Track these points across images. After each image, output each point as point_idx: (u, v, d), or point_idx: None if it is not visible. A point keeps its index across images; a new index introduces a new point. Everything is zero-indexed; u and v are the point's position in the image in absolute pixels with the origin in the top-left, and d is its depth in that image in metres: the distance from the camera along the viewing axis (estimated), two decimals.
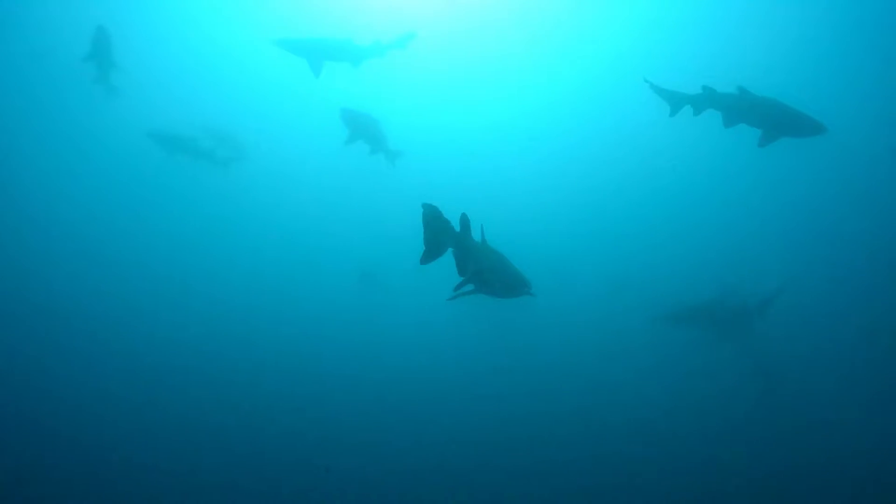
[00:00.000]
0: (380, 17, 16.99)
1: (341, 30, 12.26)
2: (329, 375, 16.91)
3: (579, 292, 18.79)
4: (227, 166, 14.88)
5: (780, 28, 20.11)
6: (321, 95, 14.59)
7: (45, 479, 12.27)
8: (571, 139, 23.21)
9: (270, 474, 13.52)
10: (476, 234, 6.13)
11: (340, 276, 19.62)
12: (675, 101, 8.53)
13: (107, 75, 13.03)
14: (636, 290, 17.42)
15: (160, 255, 20.67)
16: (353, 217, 21.72)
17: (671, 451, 13.71)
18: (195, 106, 20.11)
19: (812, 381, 14.84)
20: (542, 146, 23.41)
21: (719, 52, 19.81)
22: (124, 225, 21.00)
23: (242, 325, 18.63)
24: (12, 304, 17.22)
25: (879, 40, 19.36)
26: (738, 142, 8.52)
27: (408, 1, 19.55)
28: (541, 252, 16.97)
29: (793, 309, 15.02)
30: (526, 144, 23.37)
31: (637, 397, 15.40)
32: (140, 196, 21.32)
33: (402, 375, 16.69)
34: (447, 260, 5.94)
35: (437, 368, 17.03)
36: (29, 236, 20.05)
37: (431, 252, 5.80)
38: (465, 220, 5.88)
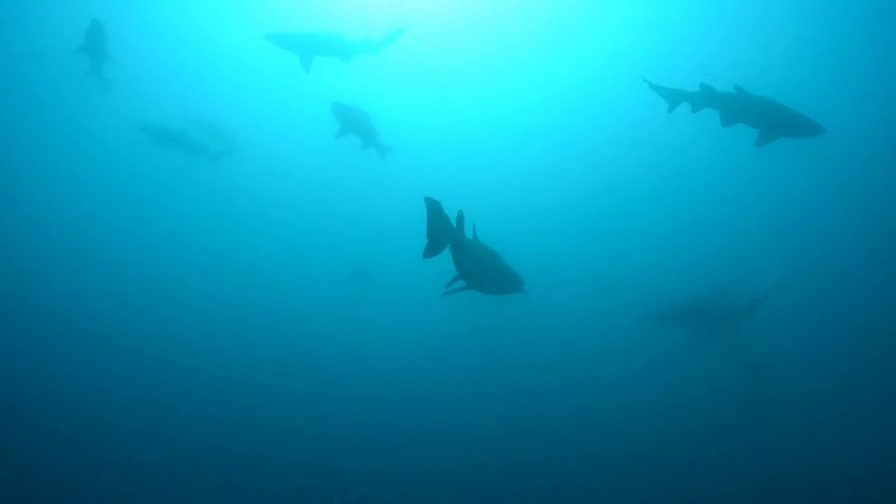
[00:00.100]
0: (374, 12, 16.95)
1: (334, 24, 12.21)
2: (322, 372, 16.93)
3: (572, 290, 18.82)
4: (219, 160, 14.83)
5: (780, 27, 20.13)
6: (314, 90, 14.55)
7: (45, 479, 12.32)
8: (565, 136, 23.19)
9: (267, 471, 13.62)
10: (468, 231, 6.13)
11: (333, 271, 19.59)
12: (673, 97, 8.55)
13: (100, 68, 12.97)
14: (629, 288, 17.44)
15: (151, 250, 20.56)
16: (345, 212, 21.68)
17: (663, 450, 13.76)
18: (188, 99, 20.02)
19: (805, 382, 14.92)
20: (535, 143, 23.37)
21: (718, 51, 19.81)
22: (115, 219, 20.91)
23: (235, 321, 18.63)
24: (6, 300, 17.17)
25: (879, 40, 19.40)
26: (735, 141, 8.54)
27: None
28: (534, 249, 17.05)
29: (788, 309, 15.13)
30: (519, 141, 23.34)
31: (629, 396, 15.43)
32: (131, 191, 21.24)
33: (395, 372, 16.70)
34: (441, 255, 5.93)
35: (429, 366, 17.06)
36: (20, 230, 19.95)
37: (434, 245, 5.78)
38: (460, 217, 5.88)
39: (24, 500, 11.91)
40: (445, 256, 5.98)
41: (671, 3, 20.98)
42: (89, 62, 12.87)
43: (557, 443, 14.30)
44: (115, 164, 20.74)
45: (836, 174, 19.13)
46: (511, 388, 16.04)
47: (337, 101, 10.87)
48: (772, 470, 13.25)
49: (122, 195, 21.25)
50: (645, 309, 13.85)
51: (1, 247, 19.11)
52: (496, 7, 21.51)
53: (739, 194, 20.73)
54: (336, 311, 18.89)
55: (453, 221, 5.85)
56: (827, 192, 19.77)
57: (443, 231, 5.74)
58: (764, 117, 7.89)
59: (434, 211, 5.67)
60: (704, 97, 8.26)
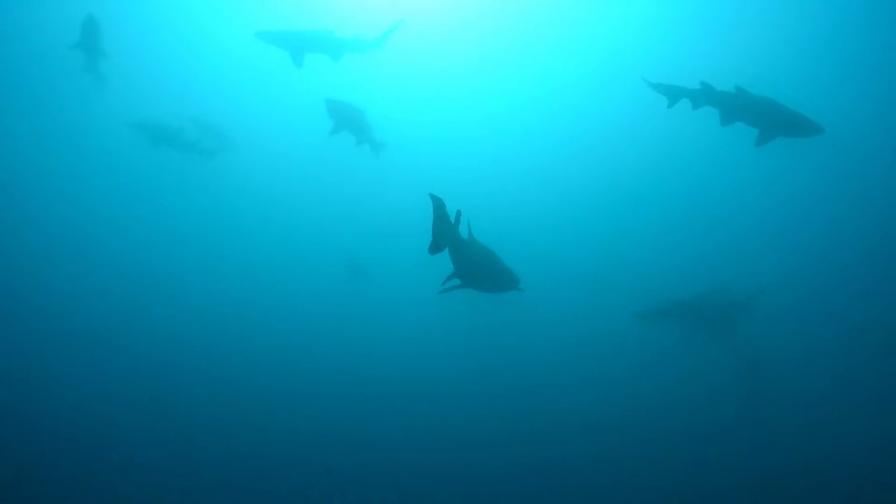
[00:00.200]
0: (370, 10, 16.82)
1: (332, 23, 12.12)
2: (321, 371, 16.91)
3: (569, 288, 18.78)
4: (213, 157, 14.75)
5: (780, 26, 20.00)
6: (310, 87, 14.48)
7: (45, 479, 12.28)
8: (562, 134, 23.12)
9: (267, 471, 13.57)
10: (463, 229, 6.17)
11: (329, 269, 19.52)
12: (673, 94, 8.52)
13: (95, 65, 12.89)
14: (626, 286, 17.38)
15: (147, 248, 20.55)
16: (340, 210, 21.67)
17: (661, 449, 13.73)
18: (182, 97, 20.01)
19: (803, 380, 14.87)
20: (531, 140, 23.31)
21: (718, 50, 19.70)
22: (111, 217, 20.92)
23: (233, 319, 18.61)
24: (3, 300, 17.17)
25: (879, 40, 19.28)
26: (734, 140, 8.53)
27: None
28: (530, 247, 16.96)
29: (787, 307, 15.09)
30: (515, 138, 23.28)
31: (627, 394, 15.41)
32: (127, 188, 21.22)
33: (393, 371, 16.66)
34: (440, 253, 5.96)
35: (426, 364, 17.02)
36: (15, 228, 19.92)
37: (439, 242, 5.84)
38: (457, 216, 5.91)
39: (24, 500, 11.86)
40: (443, 254, 6.00)
41: (672, 2, 20.83)
42: (85, 59, 12.77)
43: (555, 441, 14.28)
44: (110, 161, 20.72)
45: (836, 174, 19.12)
46: (509, 386, 16.01)
47: (330, 97, 10.77)
48: (770, 469, 13.23)
49: (119, 193, 21.24)
50: (642, 306, 13.77)
51: None
52: (492, 4, 21.37)
53: (738, 193, 20.74)
54: (333, 309, 18.86)
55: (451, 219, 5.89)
56: (826, 191, 19.76)
57: (446, 228, 5.80)
58: (763, 116, 7.87)
59: (439, 208, 5.73)
60: (704, 95, 8.23)
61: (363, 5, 17.31)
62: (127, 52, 16.89)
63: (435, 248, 5.79)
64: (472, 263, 6.16)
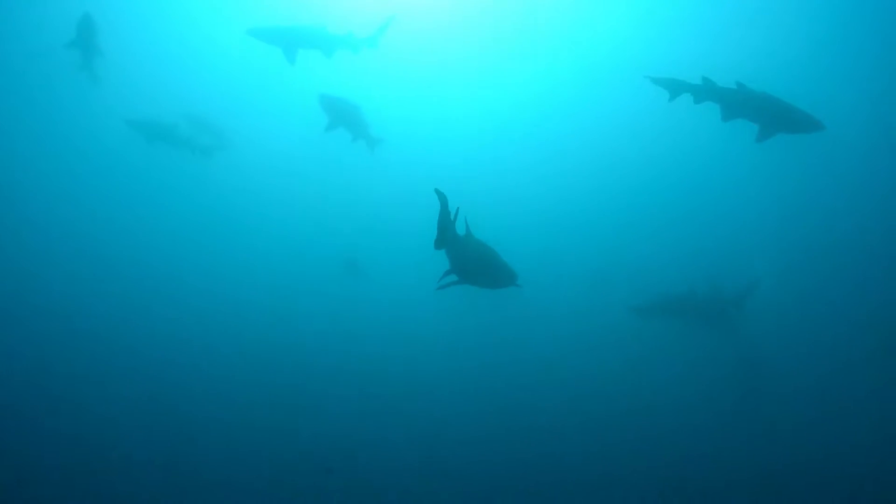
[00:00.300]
0: (363, 6, 16.77)
1: (325, 20, 12.09)
2: (320, 370, 16.84)
3: (566, 284, 18.74)
4: (209, 154, 14.72)
5: (781, 23, 19.89)
6: (306, 84, 14.43)
7: (45, 480, 12.25)
8: (559, 130, 23.05)
9: (267, 471, 13.50)
10: (461, 225, 6.21)
11: (325, 265, 19.45)
12: (674, 88, 8.52)
13: (91, 63, 12.86)
14: (625, 281, 17.32)
15: (143, 246, 20.53)
16: (336, 205, 21.62)
17: (660, 446, 13.70)
18: (177, 93, 19.95)
19: (802, 377, 14.86)
20: (529, 136, 23.24)
21: (717, 47, 19.59)
22: (107, 215, 20.89)
23: (230, 318, 18.56)
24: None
25: (879, 36, 19.18)
26: (733, 135, 8.53)
27: None
28: (527, 244, 16.88)
29: (785, 304, 15.05)
30: (511, 135, 23.23)
31: (625, 391, 15.36)
32: (124, 186, 21.21)
33: (391, 368, 16.66)
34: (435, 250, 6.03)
35: (424, 361, 16.99)
36: (12, 227, 19.93)
37: (445, 237, 5.94)
38: (455, 212, 5.95)
39: (24, 500, 11.83)
40: (442, 250, 6.06)
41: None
42: (81, 57, 12.74)
43: (554, 438, 14.26)
44: (106, 159, 20.73)
45: (835, 170, 19.01)
46: (507, 383, 15.98)
47: (325, 92, 10.68)
48: (768, 466, 13.18)
49: (114, 190, 21.25)
50: (641, 302, 13.75)
51: None
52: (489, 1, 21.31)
53: (737, 189, 20.65)
54: (331, 306, 18.83)
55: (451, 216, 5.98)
56: (825, 187, 19.67)
57: (450, 224, 5.91)
58: (763, 112, 7.90)
59: (445, 203, 5.82)
60: (705, 90, 8.24)
61: (358, 3, 17.23)
62: (123, 50, 16.88)
63: (441, 243, 5.91)
64: (470, 260, 6.18)
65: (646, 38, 20.75)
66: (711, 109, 8.16)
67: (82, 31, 12.45)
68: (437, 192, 5.79)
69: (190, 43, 21.47)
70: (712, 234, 19.72)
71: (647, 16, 20.81)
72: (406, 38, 13.74)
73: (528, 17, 21.38)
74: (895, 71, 19.41)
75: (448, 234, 5.94)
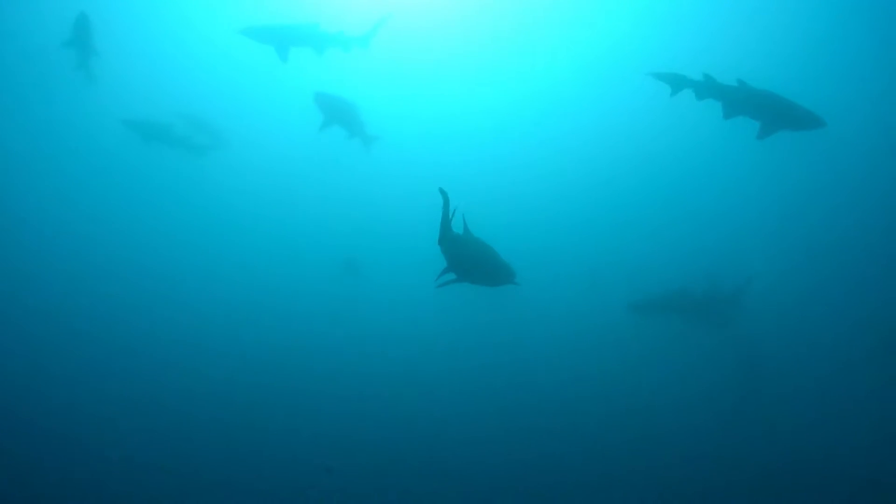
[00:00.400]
0: (358, 5, 16.73)
1: (320, 19, 12.06)
2: (319, 370, 16.81)
3: (565, 282, 18.68)
4: (204, 153, 14.72)
5: (781, 20, 19.85)
6: (301, 82, 14.43)
7: (45, 480, 12.26)
8: (557, 128, 22.99)
9: (267, 471, 13.54)
10: (458, 224, 6.23)
11: (324, 265, 19.38)
12: (676, 83, 8.54)
13: (87, 62, 12.85)
14: (623, 280, 17.27)
15: (140, 246, 20.45)
16: (334, 205, 21.55)
17: (660, 446, 13.71)
18: (172, 93, 19.93)
19: (802, 377, 14.86)
20: (526, 135, 23.19)
21: (718, 45, 19.56)
22: (103, 215, 20.78)
23: (229, 318, 18.51)
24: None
25: (880, 33, 19.16)
26: (734, 133, 8.50)
27: None
28: (526, 242, 16.83)
29: (785, 304, 15.04)
30: (508, 133, 23.17)
31: (624, 390, 15.37)
32: (118, 185, 21.11)
33: (390, 368, 16.64)
34: (433, 248, 6.09)
35: (423, 361, 16.95)
36: (6, 226, 19.87)
37: (448, 235, 5.98)
38: (454, 211, 5.98)
39: (24, 500, 11.85)
40: (436, 249, 6.10)
41: None
42: (77, 56, 12.73)
43: (553, 438, 14.27)
44: (102, 158, 20.68)
45: (837, 167, 18.97)
46: (507, 382, 15.97)
47: (320, 90, 10.65)
48: (768, 466, 13.20)
49: (111, 190, 21.17)
50: (640, 300, 13.75)
51: None
52: None
53: (737, 187, 20.59)
54: (329, 306, 18.74)
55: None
56: (827, 185, 19.62)
57: (449, 222, 5.95)
58: (765, 109, 7.91)
59: (447, 202, 5.86)
60: (706, 87, 8.25)
61: (353, 1, 17.20)
62: (119, 49, 16.89)
63: (444, 240, 5.96)
64: (468, 258, 6.19)
65: (645, 35, 20.71)
66: (711, 107, 8.16)
67: (78, 31, 12.51)
68: (441, 191, 5.81)
69: (186, 43, 21.44)
70: (712, 232, 19.68)
71: (647, 13, 20.76)
72: (402, 35, 13.70)
73: (525, 14, 21.34)
74: (895, 70, 19.40)
75: (449, 233, 5.97)
